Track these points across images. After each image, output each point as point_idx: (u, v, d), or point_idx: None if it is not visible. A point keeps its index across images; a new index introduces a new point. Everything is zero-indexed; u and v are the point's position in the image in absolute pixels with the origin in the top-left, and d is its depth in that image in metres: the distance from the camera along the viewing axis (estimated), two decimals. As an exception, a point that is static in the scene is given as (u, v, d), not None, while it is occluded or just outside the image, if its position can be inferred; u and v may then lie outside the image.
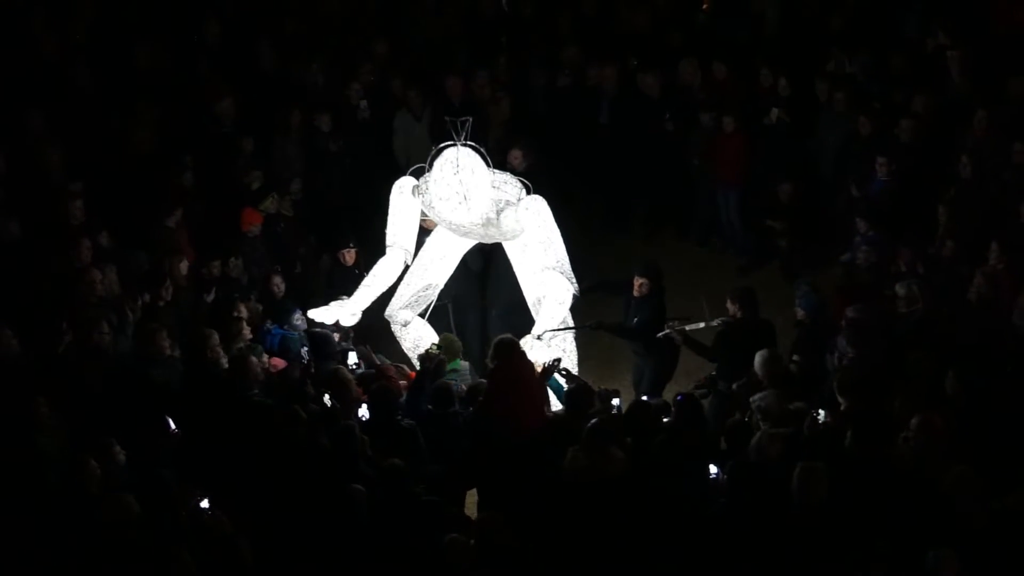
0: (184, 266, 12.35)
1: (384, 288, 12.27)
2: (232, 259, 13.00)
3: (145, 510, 8.53)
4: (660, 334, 11.84)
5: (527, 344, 11.30)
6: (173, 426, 9.76)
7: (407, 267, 12.32)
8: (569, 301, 11.84)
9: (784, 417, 10.02)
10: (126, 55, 14.89)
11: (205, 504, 8.81)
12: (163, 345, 10.78)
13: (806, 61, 15.40)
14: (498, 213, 11.63)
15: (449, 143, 11.46)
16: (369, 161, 14.99)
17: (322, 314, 12.07)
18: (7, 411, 9.54)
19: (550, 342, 11.62)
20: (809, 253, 14.65)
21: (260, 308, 12.54)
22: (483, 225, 11.71)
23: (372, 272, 12.28)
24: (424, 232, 12.49)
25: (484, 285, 13.54)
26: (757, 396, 10.37)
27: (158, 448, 9.59)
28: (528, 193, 11.72)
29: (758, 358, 10.81)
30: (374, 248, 12.89)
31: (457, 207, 11.39)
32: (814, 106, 14.93)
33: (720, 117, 14.92)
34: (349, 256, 13.31)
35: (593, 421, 9.83)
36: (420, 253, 12.39)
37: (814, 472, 8.72)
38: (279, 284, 12.90)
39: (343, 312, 12.06)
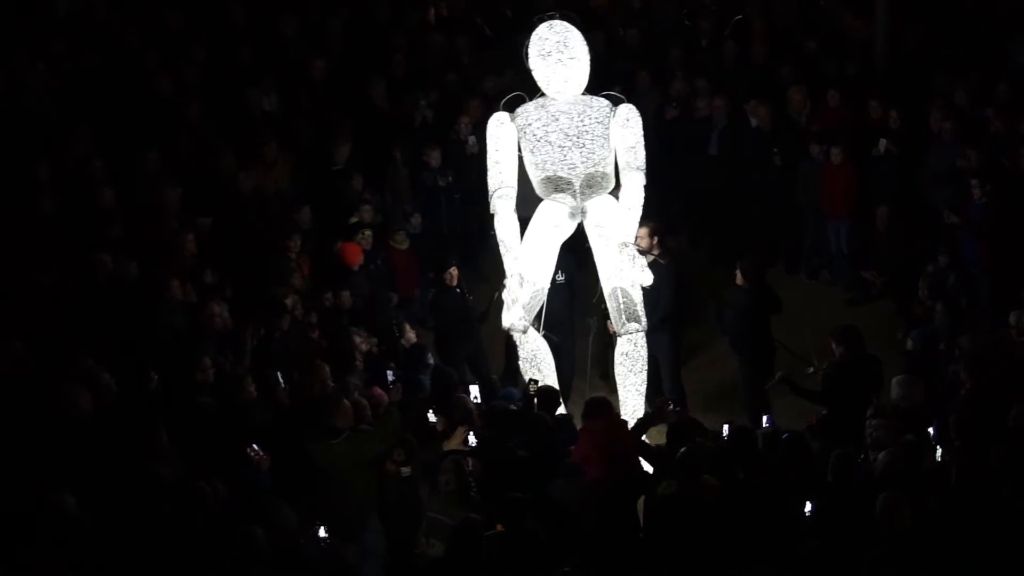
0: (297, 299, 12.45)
1: (519, 244, 12.13)
2: (343, 292, 13.11)
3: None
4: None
5: (618, 252, 11.63)
6: (259, 450, 9.78)
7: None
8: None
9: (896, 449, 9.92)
10: (238, 94, 15.23)
11: (323, 533, 8.91)
12: (250, 391, 10.68)
13: (915, 91, 15.31)
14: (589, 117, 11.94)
15: None
16: (476, 195, 15.10)
17: (513, 310, 12.05)
18: (121, 445, 9.66)
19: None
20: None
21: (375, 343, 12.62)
22: (580, 135, 11.93)
23: (499, 239, 12.16)
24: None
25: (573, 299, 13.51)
26: (871, 425, 10.25)
27: (253, 476, 9.68)
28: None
29: (894, 383, 10.84)
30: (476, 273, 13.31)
31: (558, 64, 11.71)
32: (924, 135, 14.82)
33: (828, 149, 14.87)
34: (453, 274, 13.38)
35: (683, 449, 9.79)
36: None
37: (898, 501, 8.67)
38: (410, 333, 12.94)
39: (514, 288, 11.90)
